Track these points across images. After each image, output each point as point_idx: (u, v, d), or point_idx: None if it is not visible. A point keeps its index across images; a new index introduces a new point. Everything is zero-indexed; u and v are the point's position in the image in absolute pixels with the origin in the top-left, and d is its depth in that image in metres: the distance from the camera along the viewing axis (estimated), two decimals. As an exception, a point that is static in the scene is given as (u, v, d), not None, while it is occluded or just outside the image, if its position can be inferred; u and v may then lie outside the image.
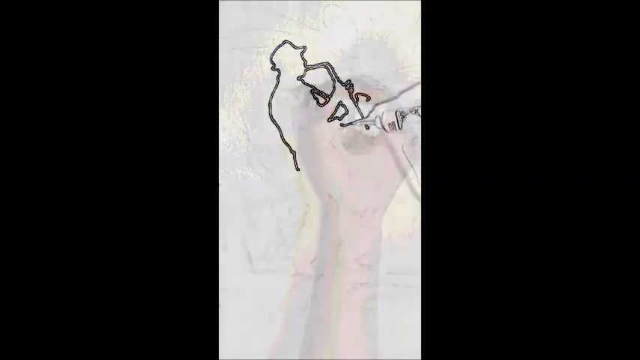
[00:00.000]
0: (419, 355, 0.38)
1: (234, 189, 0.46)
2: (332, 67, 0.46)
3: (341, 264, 0.44)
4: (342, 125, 0.45)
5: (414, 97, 0.45)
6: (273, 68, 0.46)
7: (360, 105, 0.46)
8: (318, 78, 0.46)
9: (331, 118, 0.45)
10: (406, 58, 0.46)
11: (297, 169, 0.46)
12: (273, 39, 0.46)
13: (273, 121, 0.46)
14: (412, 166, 0.45)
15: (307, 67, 0.46)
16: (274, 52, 0.46)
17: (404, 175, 0.45)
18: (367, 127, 0.45)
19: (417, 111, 0.43)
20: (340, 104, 0.45)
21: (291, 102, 0.46)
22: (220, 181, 0.46)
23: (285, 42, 0.46)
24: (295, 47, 0.46)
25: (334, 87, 0.46)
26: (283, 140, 0.46)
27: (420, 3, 0.44)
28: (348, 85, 0.46)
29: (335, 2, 0.46)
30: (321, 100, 0.46)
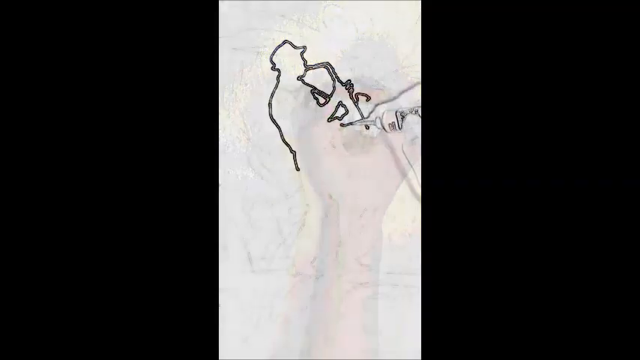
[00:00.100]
0: (419, 355, 0.38)
1: (234, 189, 0.46)
2: (332, 67, 0.46)
3: (341, 264, 0.44)
4: (342, 125, 0.45)
5: (414, 97, 0.45)
6: (273, 68, 0.46)
7: (360, 105, 0.46)
8: (318, 78, 0.46)
9: (331, 118, 0.45)
10: (406, 58, 0.46)
11: (297, 169, 0.46)
12: (273, 39, 0.46)
13: (273, 121, 0.46)
14: (412, 166, 0.45)
15: (307, 67, 0.46)
16: (274, 52, 0.46)
17: (404, 175, 0.45)
18: (367, 127, 0.45)
19: (416, 111, 0.43)
20: (340, 104, 0.45)
21: (291, 102, 0.46)
22: (220, 181, 0.46)
23: (285, 42, 0.46)
24: (295, 47, 0.46)
25: (334, 87, 0.46)
26: (283, 140, 0.46)
27: (420, 3, 0.44)
28: (348, 85, 0.46)
29: (335, 2, 0.46)
30: (321, 100, 0.46)
